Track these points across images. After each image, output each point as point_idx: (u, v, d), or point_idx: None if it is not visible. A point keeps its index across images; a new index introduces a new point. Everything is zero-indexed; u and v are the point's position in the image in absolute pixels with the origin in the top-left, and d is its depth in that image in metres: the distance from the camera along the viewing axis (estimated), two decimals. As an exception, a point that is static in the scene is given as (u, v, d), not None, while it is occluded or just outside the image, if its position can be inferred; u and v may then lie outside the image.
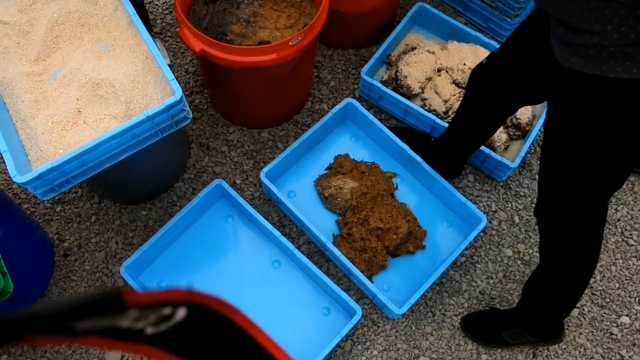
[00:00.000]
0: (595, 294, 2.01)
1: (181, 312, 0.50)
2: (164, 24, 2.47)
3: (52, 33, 1.69)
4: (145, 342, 0.52)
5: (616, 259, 2.07)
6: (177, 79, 2.29)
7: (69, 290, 1.99)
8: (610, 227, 2.12)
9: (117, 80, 1.60)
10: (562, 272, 1.54)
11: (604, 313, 1.99)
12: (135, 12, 1.68)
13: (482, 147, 2.05)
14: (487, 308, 1.97)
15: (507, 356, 1.92)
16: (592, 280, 2.03)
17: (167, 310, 0.49)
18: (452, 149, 1.99)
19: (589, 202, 1.37)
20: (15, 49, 1.68)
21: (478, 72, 1.63)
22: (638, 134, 1.19)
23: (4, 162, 2.17)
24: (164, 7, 2.51)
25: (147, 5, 2.41)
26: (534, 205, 2.07)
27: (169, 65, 1.63)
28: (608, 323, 1.98)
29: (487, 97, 1.64)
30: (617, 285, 2.03)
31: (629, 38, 1.04)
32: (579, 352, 1.94)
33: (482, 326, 1.92)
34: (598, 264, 2.05)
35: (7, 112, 1.63)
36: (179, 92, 1.54)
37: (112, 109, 1.58)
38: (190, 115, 1.64)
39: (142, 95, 1.60)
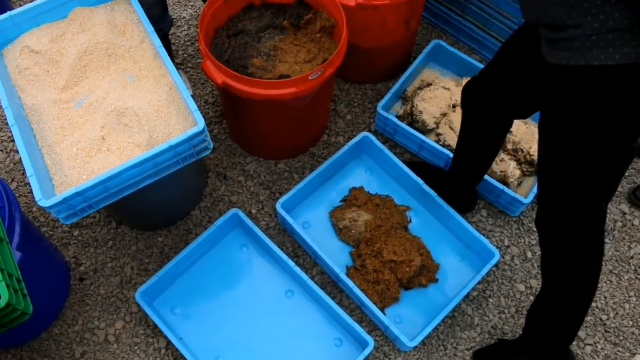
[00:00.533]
0: (609, 332, 2.01)
1: None
2: (185, 55, 2.53)
3: (80, 62, 1.75)
4: None
5: (630, 296, 2.07)
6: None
7: (84, 314, 2.02)
8: (623, 264, 2.12)
9: (141, 109, 1.65)
10: (562, 286, 1.53)
11: (618, 351, 1.98)
12: (161, 44, 1.73)
13: (496, 183, 2.07)
14: (496, 341, 1.97)
15: (519, 393, 1.91)
16: (605, 317, 2.03)
17: None
18: (460, 177, 2.02)
19: (583, 209, 1.39)
20: (44, 77, 1.73)
21: (469, 86, 1.69)
22: (625, 128, 1.23)
23: (24, 185, 2.23)
24: (185, 39, 2.58)
25: (170, 36, 2.48)
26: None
27: (192, 96, 1.67)
28: (621, 362, 1.97)
29: (480, 111, 1.70)
30: (631, 322, 2.03)
31: (608, 25, 1.11)
32: (591, 390, 1.93)
33: (493, 359, 1.92)
34: (611, 301, 2.05)
35: (34, 137, 1.68)
36: (201, 123, 1.58)
37: (136, 137, 1.63)
38: (211, 146, 1.68)
39: (165, 124, 1.65)
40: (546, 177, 1.43)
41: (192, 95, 1.71)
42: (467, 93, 1.71)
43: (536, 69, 1.35)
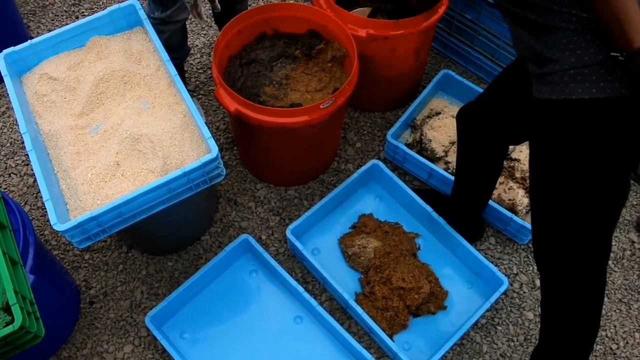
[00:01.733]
0: (618, 363, 2.00)
1: None
2: (197, 82, 2.58)
3: (96, 90, 1.79)
4: None
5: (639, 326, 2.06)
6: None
7: (93, 337, 2.03)
8: (633, 293, 2.12)
9: (156, 136, 1.68)
10: (564, 329, 1.51)
11: (627, 383, 1.97)
12: (176, 72, 1.77)
13: (504, 211, 2.09)
14: None
15: (528, 423, 1.90)
16: (615, 346, 2.02)
17: None
18: (461, 203, 2.04)
19: (579, 237, 1.39)
20: (62, 103, 1.77)
21: (463, 110, 1.76)
22: (607, 156, 1.27)
23: (37, 208, 2.25)
24: (198, 67, 2.63)
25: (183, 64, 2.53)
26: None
27: (205, 123, 1.71)
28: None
29: (473, 134, 1.75)
30: (640, 354, 2.02)
31: (584, 60, 1.18)
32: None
33: None
34: (621, 330, 2.04)
35: (50, 162, 1.71)
36: (215, 150, 1.61)
37: (150, 163, 1.65)
38: (224, 172, 1.71)
39: (179, 151, 1.67)
40: (539, 205, 1.45)
41: (206, 123, 1.74)
42: (461, 116, 1.77)
43: (526, 98, 1.40)
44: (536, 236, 1.49)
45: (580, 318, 1.49)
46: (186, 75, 2.57)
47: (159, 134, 1.69)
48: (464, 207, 2.05)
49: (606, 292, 2.12)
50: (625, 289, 2.13)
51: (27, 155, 1.65)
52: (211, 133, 2.39)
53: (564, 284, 1.46)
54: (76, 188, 1.64)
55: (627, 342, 2.04)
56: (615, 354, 2.02)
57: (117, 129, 1.72)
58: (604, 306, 2.06)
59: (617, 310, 2.09)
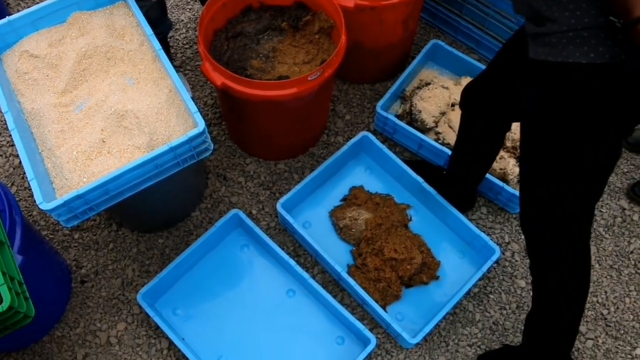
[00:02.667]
0: (610, 326, 2.02)
1: None
2: (184, 57, 2.54)
3: (79, 66, 1.75)
4: None
5: (630, 291, 2.08)
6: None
7: (85, 316, 2.02)
8: (623, 259, 2.13)
9: (141, 112, 1.65)
10: (553, 296, 1.54)
11: (619, 345, 1.99)
12: (160, 46, 1.74)
13: (496, 180, 2.08)
14: (501, 346, 1.97)
15: (521, 389, 1.91)
16: (606, 311, 2.03)
17: None
18: (457, 178, 2.03)
19: (576, 207, 1.38)
20: (44, 81, 1.74)
21: (468, 88, 1.72)
22: (603, 123, 1.24)
23: (24, 189, 2.23)
24: (184, 42, 2.58)
25: (168, 39, 2.49)
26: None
27: (192, 98, 1.68)
28: (623, 355, 1.98)
29: (478, 111, 1.71)
30: (632, 317, 2.03)
31: (584, 22, 1.13)
32: (593, 385, 1.93)
33: None
34: (612, 295, 2.06)
35: (34, 141, 1.68)
36: (202, 124, 1.59)
37: (136, 139, 1.63)
38: (212, 147, 1.69)
39: (165, 126, 1.65)
40: (528, 175, 1.44)
41: (192, 97, 1.71)
42: (467, 94, 1.72)
43: (524, 70, 1.37)
44: (529, 207, 1.48)
45: (575, 285, 1.51)
46: (172, 50, 2.53)
47: (145, 109, 1.66)
48: (461, 182, 2.04)
49: (597, 258, 2.13)
50: (616, 255, 2.14)
51: (12, 135, 1.62)
52: (199, 108, 2.37)
53: (561, 255, 1.47)
54: (61, 166, 1.61)
55: (617, 307, 2.05)
56: (606, 319, 2.03)
57: (101, 106, 1.69)
58: (595, 272, 2.07)
59: (608, 277, 2.10)
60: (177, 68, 2.50)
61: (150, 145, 1.62)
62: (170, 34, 2.55)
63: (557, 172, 1.34)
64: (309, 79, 1.81)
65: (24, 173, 2.27)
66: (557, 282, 1.52)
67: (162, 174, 1.65)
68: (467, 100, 1.73)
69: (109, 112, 1.66)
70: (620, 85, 1.19)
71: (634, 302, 2.07)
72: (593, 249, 2.14)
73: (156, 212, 2.11)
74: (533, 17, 1.23)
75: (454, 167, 2.01)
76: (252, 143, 2.25)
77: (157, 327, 1.97)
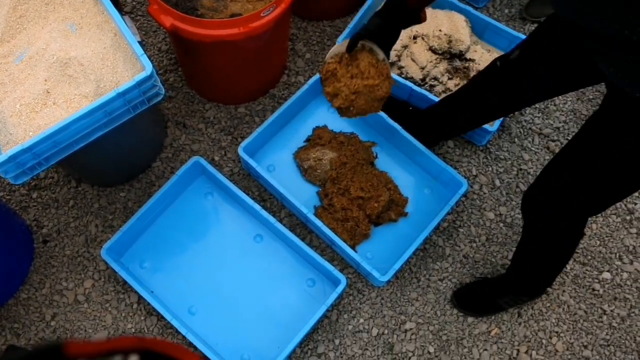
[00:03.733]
0: (577, 252, 2.03)
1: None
2: (134, 2, 2.42)
3: (15, 13, 1.65)
4: None
5: (596, 217, 2.09)
6: (150, 58, 2.25)
7: (50, 276, 1.97)
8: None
9: (86, 58, 1.56)
10: (549, 246, 1.54)
11: (586, 270, 2.01)
12: (100, -13, 1.64)
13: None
14: (479, 279, 1.97)
15: (493, 317, 1.93)
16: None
17: (118, 359, 0.49)
18: (441, 125, 1.97)
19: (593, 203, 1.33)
20: (-23, 31, 1.63)
21: (503, 60, 1.56)
22: None
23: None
24: (132, -14, 2.46)
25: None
26: (514, 168, 2.09)
27: (139, 42, 1.59)
28: (590, 279, 2.00)
29: (501, 87, 1.60)
30: (598, 242, 2.05)
31: None
32: (563, 309, 1.96)
33: (476, 298, 1.92)
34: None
35: (-27, 96, 1.59)
36: (149, 68, 1.51)
37: (82, 88, 1.55)
38: (163, 91, 1.61)
39: (112, 73, 1.57)
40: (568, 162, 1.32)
41: (140, 42, 1.62)
42: (500, 64, 1.58)
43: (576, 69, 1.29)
44: (544, 193, 1.38)
45: (570, 246, 1.53)
46: (121, -5, 2.41)
47: (89, 56, 1.57)
48: (433, 121, 1.98)
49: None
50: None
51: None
52: (153, 55, 2.28)
53: (565, 235, 1.46)
54: (5, 121, 1.53)
55: (584, 234, 2.07)
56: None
57: (43, 55, 1.59)
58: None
59: (576, 203, 2.11)
60: (128, 13, 2.38)
61: (97, 93, 1.54)
62: (117, -22, 2.42)
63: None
64: (261, 14, 1.72)
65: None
66: (554, 249, 1.52)
67: (113, 122, 1.57)
68: (500, 75, 1.59)
69: (51, 61, 1.57)
70: None
71: (600, 228, 2.08)
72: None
73: (115, 165, 2.04)
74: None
75: (436, 115, 1.93)
76: (210, 88, 2.17)
77: (125, 282, 1.93)
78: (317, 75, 2.08)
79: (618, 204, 2.11)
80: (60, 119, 1.50)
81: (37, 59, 1.59)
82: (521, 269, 1.73)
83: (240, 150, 1.96)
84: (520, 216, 2.07)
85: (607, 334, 1.94)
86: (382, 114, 2.04)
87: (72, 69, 1.56)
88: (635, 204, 2.12)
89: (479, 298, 1.92)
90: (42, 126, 1.50)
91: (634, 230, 2.07)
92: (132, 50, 1.59)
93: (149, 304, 1.87)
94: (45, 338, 1.90)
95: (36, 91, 1.55)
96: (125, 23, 1.61)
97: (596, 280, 2.00)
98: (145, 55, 1.53)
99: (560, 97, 2.20)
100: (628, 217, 2.09)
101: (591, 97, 2.28)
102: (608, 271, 2.01)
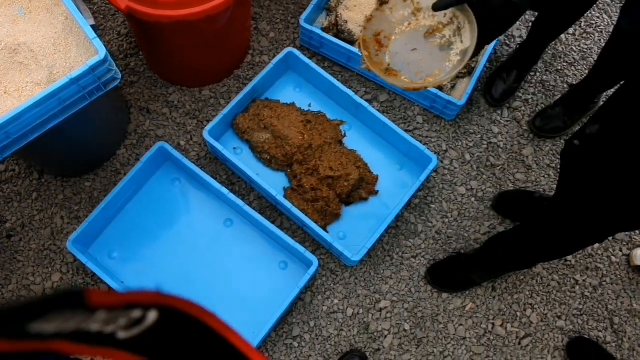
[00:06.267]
0: (549, 224, 2.03)
1: (152, 316, 0.48)
2: (90, -15, 2.34)
3: (-42, -1, 1.57)
4: (118, 347, 0.49)
5: (567, 187, 2.09)
6: (108, 43, 2.21)
7: (17, 272, 1.92)
8: (559, 157, 2.13)
9: (36, 44, 1.50)
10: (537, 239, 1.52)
11: (558, 241, 2.02)
12: (48, -31, 1.57)
13: (431, 89, 2.02)
14: (452, 254, 1.96)
15: (467, 291, 1.93)
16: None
17: (137, 313, 0.47)
18: None
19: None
20: None
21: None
22: None
23: None
24: (88, -32, 2.38)
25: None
26: (484, 142, 2.08)
27: (92, 26, 1.53)
28: (563, 250, 2.01)
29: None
30: (570, 212, 2.05)
31: None
32: (536, 281, 1.96)
33: (450, 274, 1.92)
34: (551, 193, 2.06)
35: None
36: (102, 51, 1.45)
37: (34, 75, 1.49)
38: (119, 76, 1.56)
39: (65, 58, 1.51)
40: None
41: (93, 25, 1.56)
42: None
43: None
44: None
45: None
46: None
47: (40, 41, 1.51)
48: None
49: (535, 159, 2.12)
50: (553, 154, 2.13)
51: None
52: (112, 39, 2.21)
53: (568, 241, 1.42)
54: (-47, 113, 1.47)
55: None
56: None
57: (-10, 42, 1.53)
58: (533, 173, 2.07)
59: (546, 176, 2.10)
60: (85, -2, 2.30)
61: (50, 80, 1.49)
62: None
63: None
64: (218, -7, 1.67)
65: None
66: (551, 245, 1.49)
67: (69, 110, 1.52)
68: None
69: (-1, 48, 1.50)
70: None
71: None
72: (530, 150, 2.12)
73: (78, 154, 1.98)
74: None
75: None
76: (172, 71, 2.11)
77: (95, 274, 1.88)
78: (281, 54, 2.04)
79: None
80: (12, 108, 1.44)
81: (-15, 47, 1.53)
82: (493, 251, 1.73)
83: (205, 134, 1.91)
84: (491, 190, 2.06)
85: (579, 304, 1.95)
86: (349, 91, 2.00)
87: (22, 56, 1.50)
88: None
89: (452, 274, 1.91)
90: (-6, 116, 1.44)
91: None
92: (84, 34, 1.53)
93: (119, 294, 1.83)
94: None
95: (-15, 80, 1.48)
96: (77, 6, 1.55)
97: (568, 250, 2.01)
98: (98, 38, 1.47)
99: (529, 69, 2.18)
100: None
101: (559, 68, 2.26)
102: (580, 241, 2.02)
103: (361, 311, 1.90)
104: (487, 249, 1.76)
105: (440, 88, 2.08)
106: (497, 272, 1.85)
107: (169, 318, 0.49)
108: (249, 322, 1.83)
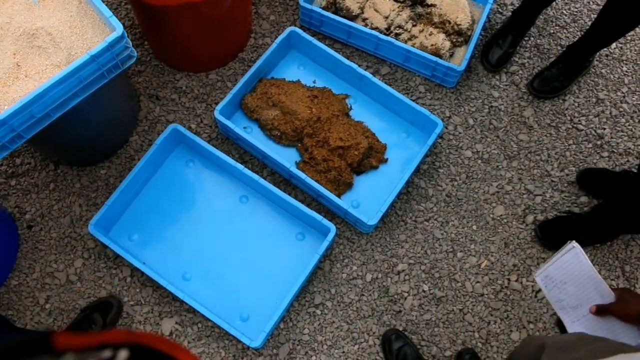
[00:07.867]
0: (554, 181, 2.09)
1: (123, 355, 0.48)
2: (90, -17, 2.39)
3: (-27, -9, 1.62)
4: None
5: (569, 145, 2.15)
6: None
7: (39, 260, 1.96)
8: (560, 116, 2.19)
9: (53, 27, 1.55)
10: None
11: (564, 197, 2.07)
12: (59, -44, 1.62)
13: (430, 56, 2.08)
14: (562, 214, 2.02)
15: (481, 250, 1.98)
16: (550, 167, 2.15)
17: (107, 354, 0.47)
18: None
19: None
20: (-62, 10, 1.60)
21: None
22: None
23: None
24: (87, -34, 2.43)
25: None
26: (485, 106, 2.14)
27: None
28: (569, 204, 2.06)
29: None
30: (573, 169, 2.11)
31: None
32: (547, 234, 2.01)
33: (560, 233, 1.97)
34: (553, 152, 2.13)
35: (-58, 77, 1.56)
36: (119, 28, 1.50)
37: (53, 58, 1.54)
38: (135, 54, 1.61)
39: (82, 39, 1.56)
40: None
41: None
42: None
43: None
44: None
45: None
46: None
47: (57, 25, 1.56)
48: None
49: (535, 119, 2.19)
50: (553, 113, 2.20)
51: None
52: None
53: None
54: (-23, 98, 1.51)
55: (559, 162, 2.13)
56: (550, 175, 2.11)
57: (8, 28, 1.57)
58: (535, 133, 2.13)
59: (548, 135, 2.17)
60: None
61: (69, 61, 1.53)
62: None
63: None
64: (224, -29, 1.73)
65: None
66: None
67: (89, 88, 1.57)
68: None
69: (17, 34, 1.55)
70: None
71: (574, 154, 2.14)
72: (530, 111, 2.19)
73: (92, 142, 2.02)
74: None
75: None
76: (178, 57, 2.16)
77: (116, 257, 1.93)
78: (284, 33, 2.09)
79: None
80: (34, 90, 1.49)
81: (2, 34, 1.57)
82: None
83: (216, 114, 1.96)
84: (497, 152, 2.12)
85: (590, 255, 2.01)
86: (352, 64, 2.06)
87: (41, 40, 1.54)
88: (604, 129, 2.18)
89: (563, 234, 1.95)
90: (17, 99, 1.49)
91: (606, 154, 2.15)
92: (99, 15, 1.58)
93: (142, 275, 1.87)
94: (41, 322, 1.89)
95: (6, 65, 1.53)
96: (89, -9, 1.60)
97: (575, 204, 2.06)
98: (114, 16, 1.52)
99: (524, 34, 2.25)
100: (599, 142, 2.16)
101: (552, 31, 2.33)
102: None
103: (380, 275, 1.95)
104: (596, 214, 1.85)
105: (439, 56, 2.14)
106: (605, 236, 1.93)
107: (140, 356, 0.49)
108: (270, 294, 1.87)
